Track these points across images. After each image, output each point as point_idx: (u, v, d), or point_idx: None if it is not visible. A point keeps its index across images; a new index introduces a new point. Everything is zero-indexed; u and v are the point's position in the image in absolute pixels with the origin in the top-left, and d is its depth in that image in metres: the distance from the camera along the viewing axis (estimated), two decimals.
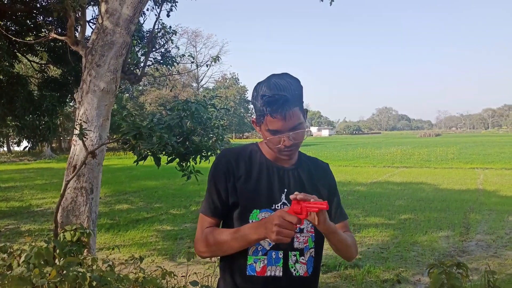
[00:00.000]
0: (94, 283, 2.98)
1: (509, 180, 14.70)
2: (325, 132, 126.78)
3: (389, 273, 5.35)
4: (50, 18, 7.92)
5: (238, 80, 64.90)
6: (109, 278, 2.89)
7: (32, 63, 9.94)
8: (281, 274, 1.41)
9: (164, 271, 3.40)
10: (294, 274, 1.42)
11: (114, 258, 5.63)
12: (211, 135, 4.15)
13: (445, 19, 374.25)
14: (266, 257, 1.42)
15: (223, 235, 1.39)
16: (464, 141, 51.82)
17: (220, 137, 4.19)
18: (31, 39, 7.92)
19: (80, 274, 2.98)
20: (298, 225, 1.21)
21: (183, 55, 8.97)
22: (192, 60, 8.72)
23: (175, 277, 3.72)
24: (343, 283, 5.07)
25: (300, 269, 1.44)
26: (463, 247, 6.60)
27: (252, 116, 1.50)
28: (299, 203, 1.21)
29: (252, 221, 1.42)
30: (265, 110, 1.36)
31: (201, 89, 58.83)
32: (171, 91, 38.36)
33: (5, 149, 36.57)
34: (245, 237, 1.32)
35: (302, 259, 1.44)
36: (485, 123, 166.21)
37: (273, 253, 1.42)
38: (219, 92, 53.44)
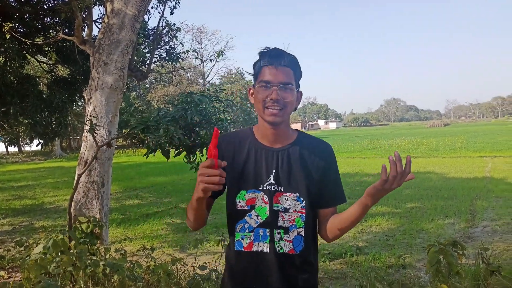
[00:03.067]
0: (108, 270, 3.13)
1: None
2: (332, 125, 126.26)
3: (394, 259, 5.45)
4: (58, 19, 8.08)
5: (244, 75, 64.84)
6: (122, 264, 3.03)
7: (41, 63, 10.13)
8: (268, 250, 1.49)
9: (174, 258, 3.54)
10: (278, 250, 1.49)
11: (125, 251, 5.81)
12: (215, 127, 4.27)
13: (453, 6, 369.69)
14: (253, 233, 1.50)
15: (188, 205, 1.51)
16: (473, 130, 51.42)
17: (225, 129, 4.31)
18: (40, 40, 8.09)
19: (92, 261, 3.14)
20: (215, 167, 1.24)
21: (188, 51, 9.10)
22: (197, 56, 8.83)
23: (185, 264, 3.87)
24: (349, 269, 5.18)
25: (284, 246, 1.50)
26: (469, 233, 6.67)
27: (249, 87, 1.56)
28: (212, 148, 1.27)
29: (239, 201, 1.51)
30: (261, 63, 1.47)
31: (207, 85, 58.94)
32: (176, 86, 38.52)
33: (16, 149, 37.10)
34: (192, 201, 1.42)
35: (287, 237, 1.50)
36: (495, 111, 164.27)
37: (260, 230, 1.50)
38: (225, 87, 53.51)
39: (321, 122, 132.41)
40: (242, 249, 1.52)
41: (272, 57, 1.45)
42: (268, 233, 1.50)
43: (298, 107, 1.56)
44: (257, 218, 1.50)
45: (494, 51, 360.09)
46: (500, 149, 21.92)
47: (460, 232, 6.76)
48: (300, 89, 1.54)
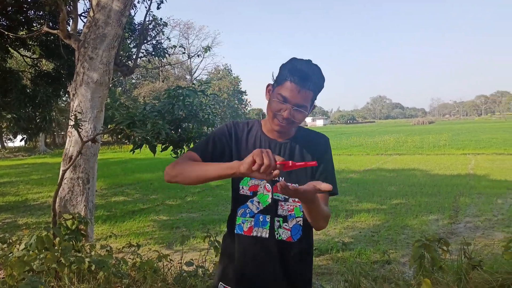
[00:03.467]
0: (93, 267, 3.11)
1: (500, 165, 14.97)
2: (319, 122, 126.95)
3: (379, 255, 5.52)
4: (42, 12, 7.94)
5: (231, 71, 64.70)
6: (108, 261, 3.01)
7: (24, 57, 9.95)
8: (267, 236, 1.58)
9: (161, 254, 3.52)
10: (277, 237, 1.58)
11: (111, 247, 5.76)
12: (202, 122, 4.25)
13: (437, 5, 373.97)
14: (253, 219, 1.59)
15: (196, 162, 1.49)
16: (457, 128, 52.23)
17: (211, 123, 4.30)
18: (23, 33, 7.94)
19: (77, 258, 3.11)
20: (273, 171, 1.22)
21: (175, 46, 9.03)
22: (184, 51, 8.78)
23: (171, 261, 3.86)
24: (335, 265, 5.23)
25: (283, 234, 1.58)
26: (452, 229, 6.79)
27: (269, 84, 1.60)
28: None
29: (242, 187, 1.60)
30: (288, 76, 1.47)
31: (194, 81, 58.65)
32: (163, 82, 38.26)
33: None
34: (221, 166, 1.36)
35: (286, 225, 1.59)
36: (478, 109, 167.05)
37: (261, 216, 1.59)
38: (213, 83, 53.34)
39: (308, 119, 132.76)
40: (242, 232, 1.60)
41: (301, 78, 1.46)
42: (268, 220, 1.58)
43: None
44: (259, 205, 1.59)
45: (478, 50, 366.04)
46: (483, 147, 22.32)
47: (443, 228, 6.88)
48: (315, 103, 1.60)
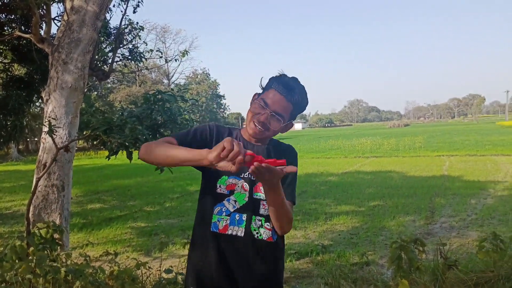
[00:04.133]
0: (70, 276, 3.03)
1: (473, 166, 15.38)
2: (298, 126, 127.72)
3: (358, 257, 5.58)
4: (14, 16, 7.74)
5: (209, 75, 64.50)
6: (84, 270, 2.94)
7: None
8: (242, 234, 1.59)
9: (139, 262, 3.47)
10: (256, 237, 1.60)
11: (89, 256, 5.63)
12: (181, 128, 4.22)
13: (410, 10, 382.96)
14: (229, 217, 1.60)
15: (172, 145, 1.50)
16: (431, 130, 53.50)
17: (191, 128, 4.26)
18: None
19: (53, 267, 3.02)
20: (241, 161, 1.22)
21: (151, 50, 8.95)
22: (161, 55, 8.72)
23: (150, 269, 3.80)
24: (315, 268, 5.25)
25: (264, 233, 1.61)
26: (428, 230, 6.93)
27: (256, 93, 1.66)
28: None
29: (219, 185, 1.60)
30: (274, 84, 1.56)
31: (172, 85, 58.20)
32: (140, 86, 37.80)
33: None
34: (182, 155, 1.40)
35: (267, 225, 1.61)
36: (452, 112, 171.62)
37: (237, 215, 1.60)
38: (191, 88, 53.05)
39: None
40: (217, 231, 1.60)
41: (285, 87, 1.55)
42: (244, 218, 1.60)
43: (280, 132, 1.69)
44: (235, 204, 1.61)
45: (452, 55, 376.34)
46: (457, 149, 22.91)
47: (420, 228, 7.01)
48: (293, 122, 1.67)
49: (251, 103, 1.64)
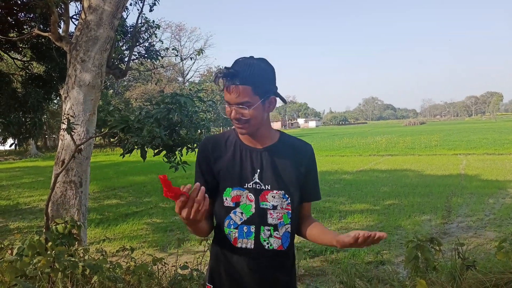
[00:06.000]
0: (88, 271, 3.08)
1: (490, 165, 15.10)
2: (312, 124, 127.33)
3: (373, 255, 5.54)
4: (33, 15, 7.88)
5: None
6: (102, 265, 2.99)
7: (15, 60, 9.85)
8: (252, 246, 1.55)
9: (155, 258, 3.51)
10: (267, 247, 1.55)
11: (106, 251, 5.73)
12: (197, 127, 4.25)
13: (428, 4, 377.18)
14: (237, 230, 1.56)
15: None
16: (448, 128, 52.68)
17: (206, 129, 4.29)
18: (14, 36, 7.87)
19: (71, 262, 3.08)
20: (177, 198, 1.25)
21: (167, 49, 9.01)
22: (176, 54, 8.77)
23: (166, 264, 3.84)
24: (329, 266, 5.24)
25: (274, 243, 1.56)
26: (445, 229, 6.84)
27: None
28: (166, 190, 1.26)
29: (226, 198, 1.56)
30: (221, 84, 1.50)
31: (187, 83, 58.51)
32: (156, 84, 38.07)
33: None
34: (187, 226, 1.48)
35: (277, 233, 1.56)
36: (469, 110, 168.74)
37: (244, 227, 1.55)
38: (205, 85, 53.19)
39: (300, 121, 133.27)
40: (231, 242, 1.57)
41: (227, 77, 1.47)
42: (252, 230, 1.55)
43: (276, 107, 1.65)
44: (242, 215, 1.55)
45: (468, 51, 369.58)
46: (474, 147, 22.51)
47: (436, 228, 6.92)
48: (271, 95, 1.54)
49: None
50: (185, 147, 4.43)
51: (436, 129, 50.52)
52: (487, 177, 12.13)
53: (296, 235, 1.69)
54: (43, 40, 8.10)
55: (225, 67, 1.49)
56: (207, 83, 58.03)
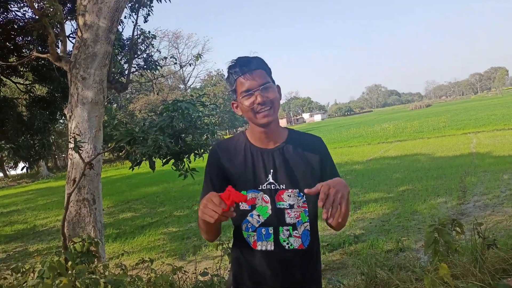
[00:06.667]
0: (109, 287, 3.09)
1: (502, 140, 14.92)
2: (317, 117, 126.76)
3: (392, 244, 5.50)
4: (30, 38, 7.94)
5: (224, 76, 64.57)
6: (123, 280, 2.99)
7: (17, 84, 9.95)
8: (272, 248, 1.54)
9: (175, 267, 3.51)
10: (287, 247, 1.54)
11: (125, 265, 5.75)
12: (202, 132, 4.25)
13: None
14: (255, 233, 1.55)
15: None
16: (454, 108, 52.22)
17: (212, 133, 4.29)
18: (14, 60, 7.94)
19: (92, 280, 3.09)
20: (225, 209, 1.26)
21: (165, 58, 9.02)
22: (175, 61, 8.78)
23: (186, 273, 3.84)
24: (349, 258, 5.21)
25: (294, 242, 1.55)
26: (462, 210, 6.77)
27: (232, 102, 1.64)
28: (229, 191, 1.29)
29: (241, 202, 1.54)
30: (234, 75, 1.54)
31: (188, 90, 58.69)
32: (158, 94, 38.23)
33: (1, 174, 36.40)
34: (199, 221, 1.51)
35: (296, 233, 1.55)
36: (474, 88, 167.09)
37: (263, 229, 1.55)
38: (207, 90, 53.27)
39: (305, 116, 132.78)
40: (251, 245, 1.57)
41: (242, 66, 1.52)
42: (271, 232, 1.55)
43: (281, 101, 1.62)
44: (259, 218, 1.55)
45: (468, 27, 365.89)
46: (483, 124, 22.28)
47: (453, 209, 6.86)
48: (276, 83, 1.61)
49: (237, 110, 1.60)
50: (193, 154, 4.43)
51: (443, 110, 50.11)
52: (499, 153, 11.98)
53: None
54: (43, 61, 8.18)
55: (234, 63, 1.55)
56: (209, 87, 58.18)
